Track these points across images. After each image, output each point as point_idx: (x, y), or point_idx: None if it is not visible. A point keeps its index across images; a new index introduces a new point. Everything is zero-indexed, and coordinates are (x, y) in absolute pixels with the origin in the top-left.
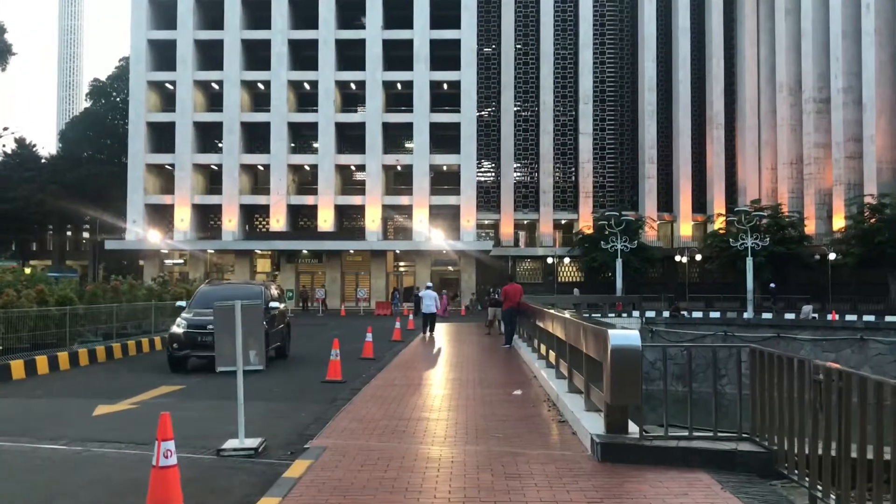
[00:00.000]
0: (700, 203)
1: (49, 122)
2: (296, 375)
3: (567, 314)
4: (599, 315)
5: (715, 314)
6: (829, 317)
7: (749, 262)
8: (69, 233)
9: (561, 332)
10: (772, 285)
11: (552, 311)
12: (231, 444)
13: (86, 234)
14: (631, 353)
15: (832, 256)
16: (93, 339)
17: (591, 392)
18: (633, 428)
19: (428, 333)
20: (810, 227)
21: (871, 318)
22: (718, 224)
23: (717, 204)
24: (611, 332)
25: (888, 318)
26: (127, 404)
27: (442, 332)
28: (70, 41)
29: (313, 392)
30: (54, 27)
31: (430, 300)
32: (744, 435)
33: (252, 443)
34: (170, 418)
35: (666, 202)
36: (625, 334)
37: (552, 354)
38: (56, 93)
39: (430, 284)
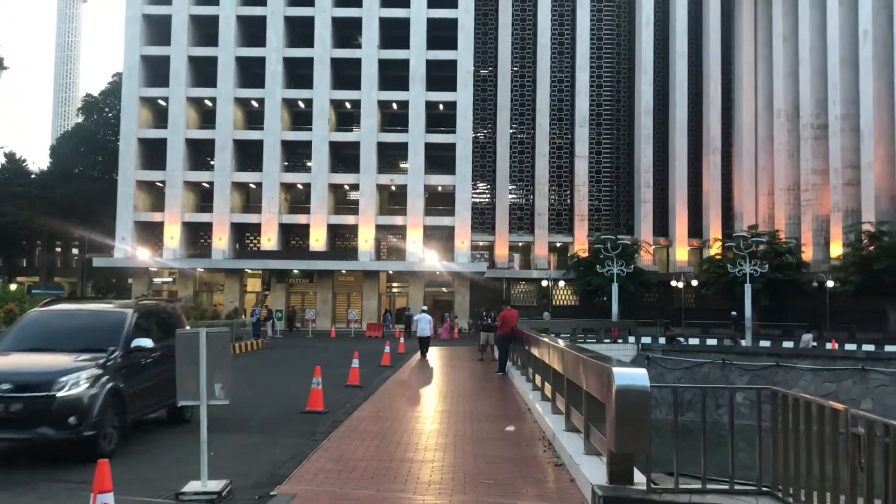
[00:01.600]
0: (696, 228)
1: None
2: (275, 404)
3: (561, 343)
4: (595, 340)
5: (711, 341)
6: (829, 346)
7: (748, 288)
8: (58, 249)
9: (558, 364)
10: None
11: (547, 339)
12: (192, 486)
13: (75, 251)
14: (638, 394)
15: (830, 284)
16: None
17: (591, 434)
18: (639, 477)
19: (423, 356)
20: (807, 254)
21: (871, 347)
22: (715, 249)
23: (714, 229)
24: (615, 369)
25: (888, 348)
26: None
27: (434, 357)
28: (67, 57)
29: (292, 424)
30: (51, 43)
31: (425, 323)
32: (764, 488)
33: (215, 486)
34: (108, 466)
35: (662, 226)
36: (631, 373)
37: (548, 387)
38: (52, 108)
39: (424, 308)
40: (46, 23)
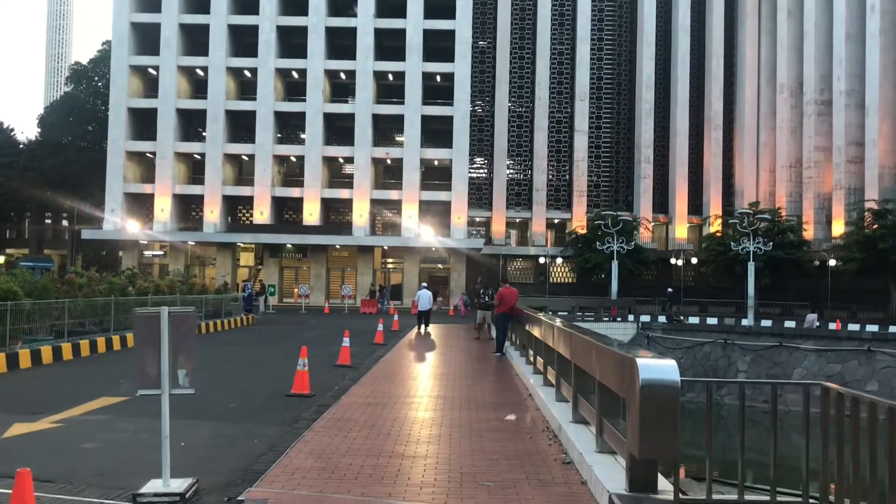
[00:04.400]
0: (696, 205)
1: (37, 107)
2: (259, 385)
3: (568, 326)
4: (593, 318)
5: (712, 320)
6: (833, 326)
7: (750, 266)
8: (48, 221)
9: (564, 349)
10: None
11: (550, 320)
12: (153, 486)
13: (65, 223)
14: (667, 390)
15: (832, 263)
16: (42, 338)
17: (604, 429)
18: (663, 484)
19: (423, 329)
20: (809, 233)
21: (875, 327)
22: (715, 227)
23: (714, 206)
24: (640, 360)
25: (893, 329)
26: (49, 422)
27: (429, 335)
28: (59, 26)
29: (274, 409)
30: (43, 11)
31: (426, 298)
32: (812, 500)
33: (179, 485)
34: (30, 477)
35: (661, 203)
36: (659, 365)
37: (551, 371)
38: (43, 78)
39: (425, 284)
40: None
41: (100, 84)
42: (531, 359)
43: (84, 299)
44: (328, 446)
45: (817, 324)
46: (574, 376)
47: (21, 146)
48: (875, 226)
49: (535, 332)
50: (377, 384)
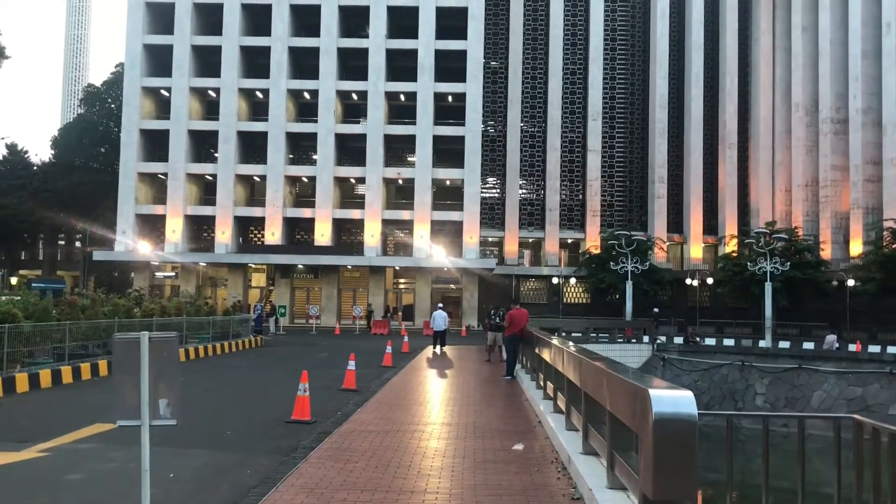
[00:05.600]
0: (711, 225)
1: (53, 130)
2: (259, 411)
3: (576, 349)
4: (608, 339)
5: (729, 341)
6: (853, 347)
7: (768, 287)
8: (61, 242)
9: (573, 375)
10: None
11: (560, 343)
12: None
13: (78, 245)
14: (684, 424)
15: (851, 283)
16: (42, 360)
17: (615, 463)
18: None
19: (439, 349)
20: (826, 252)
21: None
22: (731, 247)
23: (729, 226)
24: (653, 391)
25: None
26: (36, 451)
27: (438, 357)
28: (76, 49)
29: (272, 436)
30: (61, 35)
31: (441, 319)
32: None
33: None
34: None
35: (676, 223)
36: (674, 397)
37: (561, 398)
38: (60, 100)
39: (440, 305)
40: (57, 15)
41: (113, 106)
42: (541, 383)
43: (86, 321)
44: (323, 479)
45: (837, 345)
46: (584, 405)
47: (34, 168)
48: (894, 245)
49: (545, 355)
50: (381, 410)
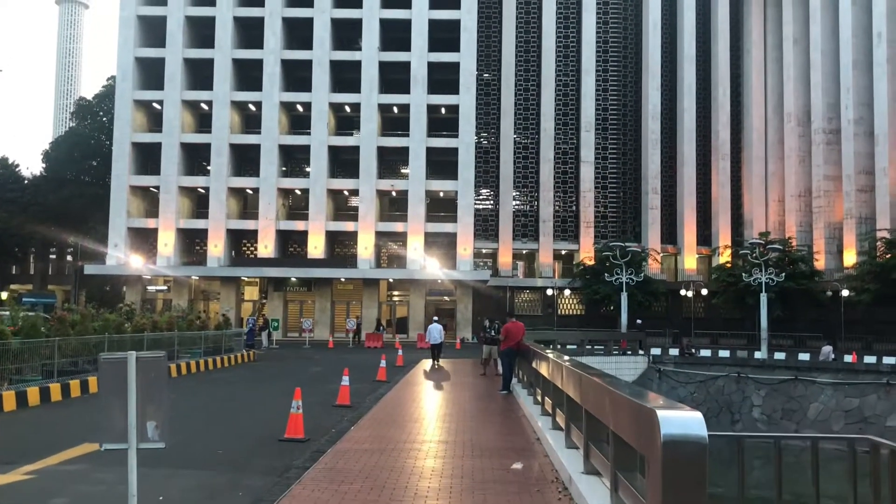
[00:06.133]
0: (705, 235)
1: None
2: (251, 429)
3: (576, 366)
4: (603, 352)
5: (724, 352)
6: (849, 358)
7: (763, 298)
8: (52, 256)
9: (573, 392)
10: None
11: (558, 357)
12: None
13: (69, 259)
14: (693, 447)
15: (845, 293)
16: (31, 378)
17: (619, 486)
18: None
19: (437, 363)
20: (820, 263)
21: (893, 359)
22: (725, 257)
23: (723, 237)
24: (661, 412)
25: None
26: (20, 473)
27: (433, 372)
28: (68, 63)
29: (264, 455)
30: (53, 50)
31: (437, 332)
32: None
33: None
34: None
35: (669, 234)
36: (684, 418)
37: (560, 414)
38: (52, 115)
39: (436, 318)
40: (49, 29)
41: (104, 119)
42: (539, 398)
43: (76, 337)
44: (317, 502)
45: (833, 356)
46: (585, 422)
47: (26, 182)
48: (888, 255)
49: (543, 370)
50: (376, 427)
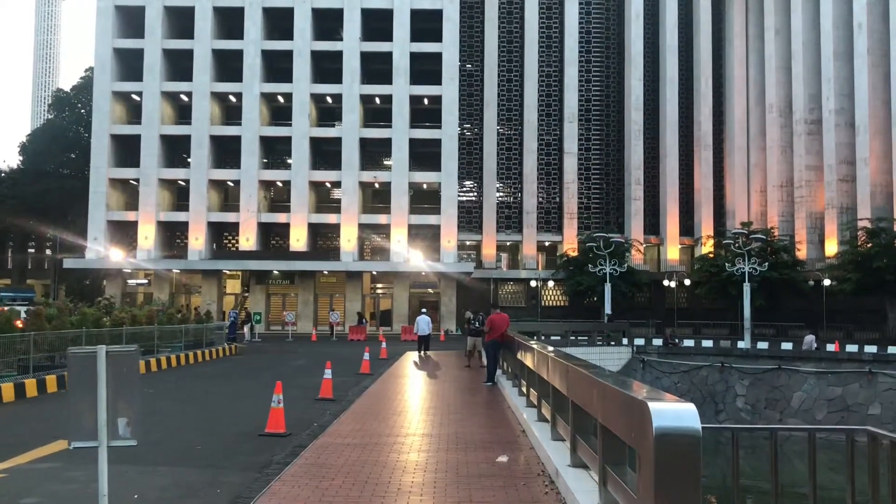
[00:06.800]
0: (687, 226)
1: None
2: (231, 423)
3: (561, 357)
4: (587, 342)
5: (707, 342)
6: (832, 347)
7: (746, 288)
8: (31, 250)
9: (559, 383)
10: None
11: (543, 348)
12: None
13: (48, 252)
14: (687, 440)
15: (827, 282)
16: (5, 374)
17: (608, 479)
18: None
19: (424, 353)
20: (802, 252)
21: (873, 348)
22: (707, 248)
23: (706, 227)
24: (653, 404)
25: (892, 350)
26: None
27: (417, 364)
28: (45, 55)
29: (245, 451)
30: (30, 41)
31: (424, 324)
32: None
33: None
34: None
35: (652, 224)
36: (676, 410)
37: (546, 406)
38: (30, 107)
39: (424, 310)
40: (26, 20)
41: (83, 111)
42: (524, 390)
43: (53, 332)
44: (297, 498)
45: (815, 345)
46: (572, 414)
47: (2, 175)
48: (869, 245)
49: (528, 361)
50: (359, 421)
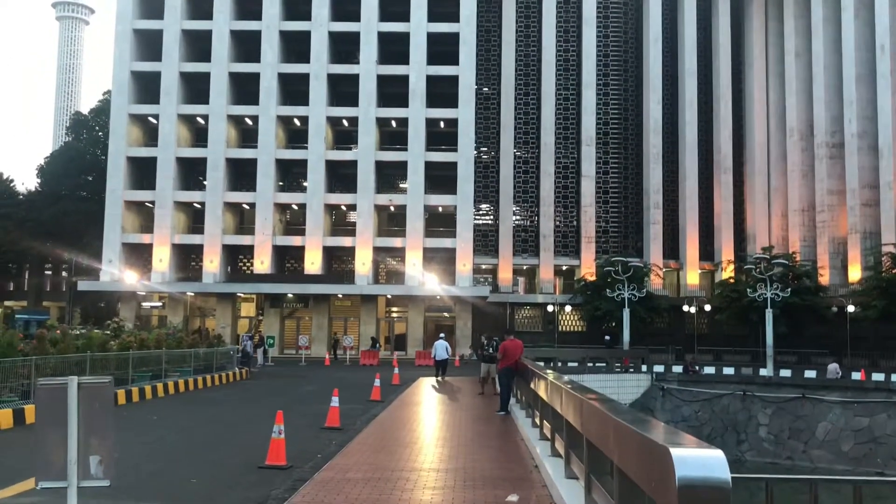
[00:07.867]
0: (707, 251)
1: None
2: (231, 454)
3: (574, 388)
4: (605, 369)
5: (728, 370)
6: (857, 376)
7: (768, 314)
8: (48, 272)
9: (573, 418)
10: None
11: (556, 379)
12: None
13: (64, 274)
14: (714, 493)
15: (851, 309)
16: (6, 399)
17: None
18: None
19: (442, 377)
20: (824, 278)
21: None
22: (728, 273)
23: (726, 252)
24: (676, 450)
25: None
26: None
27: (430, 390)
28: (68, 79)
29: (242, 485)
30: (53, 64)
31: (442, 349)
32: None
33: None
34: None
35: (672, 249)
36: (703, 458)
37: (559, 440)
38: (52, 130)
39: (442, 335)
40: (50, 45)
41: (100, 133)
42: (537, 421)
43: (56, 356)
44: None
45: (839, 373)
46: (587, 452)
47: (20, 197)
48: (894, 270)
49: (541, 391)
50: (365, 453)
